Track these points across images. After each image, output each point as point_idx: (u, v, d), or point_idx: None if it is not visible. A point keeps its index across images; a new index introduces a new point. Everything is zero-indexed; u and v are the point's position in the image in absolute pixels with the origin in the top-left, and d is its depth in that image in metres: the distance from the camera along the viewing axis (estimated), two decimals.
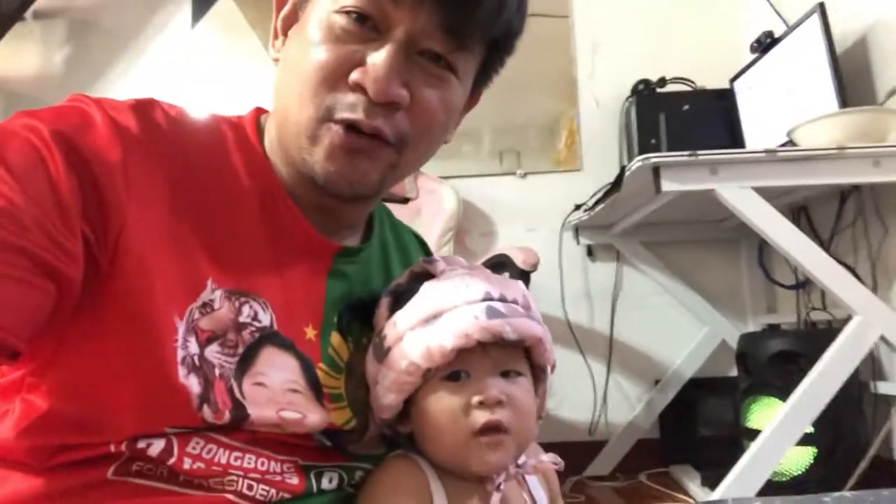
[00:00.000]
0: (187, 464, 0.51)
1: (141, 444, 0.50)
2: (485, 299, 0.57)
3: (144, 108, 0.56)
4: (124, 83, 2.46)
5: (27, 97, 2.46)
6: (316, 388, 0.58)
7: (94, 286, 0.49)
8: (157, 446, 0.50)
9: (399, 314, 0.59)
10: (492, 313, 0.56)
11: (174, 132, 0.56)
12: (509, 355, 0.58)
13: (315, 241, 0.61)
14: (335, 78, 0.54)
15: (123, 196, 0.50)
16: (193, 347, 0.51)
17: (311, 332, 0.59)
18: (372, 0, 0.54)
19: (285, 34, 0.62)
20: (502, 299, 0.57)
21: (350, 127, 0.55)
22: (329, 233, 0.62)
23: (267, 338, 0.56)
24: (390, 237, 0.74)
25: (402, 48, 0.54)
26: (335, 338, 0.61)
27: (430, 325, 0.56)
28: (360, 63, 0.54)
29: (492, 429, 0.55)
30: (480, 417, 0.55)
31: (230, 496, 0.52)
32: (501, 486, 0.56)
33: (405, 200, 2.20)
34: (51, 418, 0.49)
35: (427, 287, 0.59)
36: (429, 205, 2.22)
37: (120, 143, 0.51)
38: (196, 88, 2.43)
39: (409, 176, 2.17)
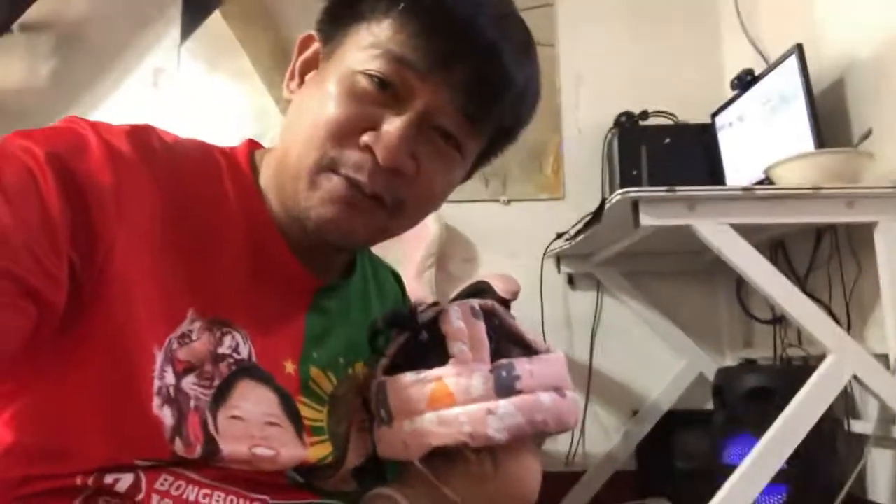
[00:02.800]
0: (155, 501, 0.50)
1: (108, 479, 0.49)
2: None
3: (140, 134, 0.56)
4: (111, 99, 2.45)
5: (11, 110, 2.44)
6: (296, 422, 0.58)
7: (75, 311, 0.48)
8: (125, 481, 0.49)
9: (532, 362, 0.59)
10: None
11: (169, 159, 0.56)
12: None
13: (298, 276, 0.61)
14: (346, 135, 0.55)
15: (113, 222, 0.50)
16: (170, 378, 0.51)
17: (289, 367, 0.59)
18: (398, 70, 0.55)
19: (302, 77, 0.62)
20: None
21: (351, 183, 0.55)
22: (313, 270, 0.63)
23: (244, 370, 0.55)
24: (369, 272, 0.75)
25: (418, 120, 0.55)
26: (314, 371, 0.61)
27: (560, 394, 0.59)
28: (374, 126, 0.55)
29: None
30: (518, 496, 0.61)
31: None
32: None
33: None
34: (14, 448, 0.49)
35: (557, 357, 0.62)
36: (412, 230, 2.22)
37: (113, 168, 0.51)
38: (183, 106, 2.43)
39: None
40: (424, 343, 0.61)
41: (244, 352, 0.56)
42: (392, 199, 0.57)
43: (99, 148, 0.51)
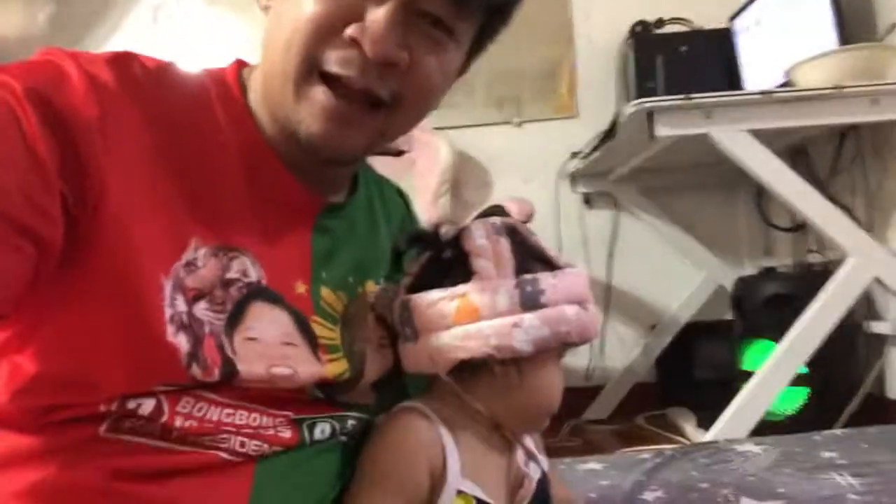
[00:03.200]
0: (179, 421, 0.51)
1: (131, 405, 0.50)
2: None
3: (122, 62, 0.54)
4: (111, 40, 2.41)
5: (9, 58, 2.41)
6: (311, 341, 0.58)
7: (75, 246, 0.48)
8: (147, 405, 0.50)
9: (556, 276, 0.60)
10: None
11: (153, 86, 0.54)
12: None
13: (299, 196, 0.60)
14: (329, 30, 0.52)
15: (102, 153, 0.48)
16: (181, 305, 0.51)
17: (300, 287, 0.59)
18: None
19: None
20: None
21: (339, 88, 0.53)
22: (313, 189, 0.61)
23: (255, 293, 0.55)
24: (374, 192, 0.74)
25: (403, 7, 0.52)
26: (325, 291, 0.61)
27: (584, 307, 0.60)
28: (358, 18, 0.52)
29: None
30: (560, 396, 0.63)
31: (223, 454, 0.53)
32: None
33: (399, 153, 2.18)
34: (39, 379, 0.50)
35: (578, 272, 0.62)
36: (423, 157, 2.20)
37: (97, 98, 0.49)
38: (184, 40, 2.38)
39: None
40: (448, 260, 0.61)
41: (254, 274, 0.55)
42: (389, 95, 0.54)
43: (80, 79, 0.49)
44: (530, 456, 0.64)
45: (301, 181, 0.60)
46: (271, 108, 0.58)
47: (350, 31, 0.52)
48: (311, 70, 0.53)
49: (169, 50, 2.34)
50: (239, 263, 0.55)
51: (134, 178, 0.50)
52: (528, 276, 0.58)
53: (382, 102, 0.55)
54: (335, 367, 0.60)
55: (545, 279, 0.58)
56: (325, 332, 0.60)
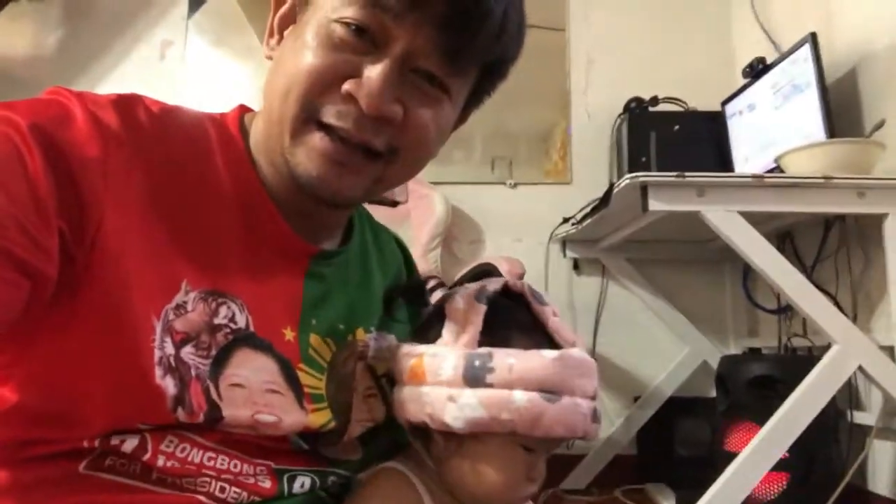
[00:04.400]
0: (161, 461, 0.51)
1: (115, 441, 0.50)
2: (592, 397, 0.57)
3: (127, 105, 0.55)
4: (118, 70, 2.44)
5: (18, 78, 2.43)
6: (297, 389, 0.58)
7: (69, 282, 0.48)
8: (130, 443, 0.50)
9: (517, 355, 0.54)
10: (594, 417, 0.57)
11: (156, 130, 0.55)
12: None
13: (293, 243, 0.61)
14: (327, 84, 0.54)
15: (101, 193, 0.49)
16: (169, 348, 0.51)
17: (289, 334, 0.59)
18: (373, 14, 0.53)
19: (281, 34, 0.61)
20: (595, 397, 0.58)
21: (335, 135, 0.54)
22: (308, 235, 0.62)
23: (242, 339, 0.55)
24: (369, 238, 0.74)
25: (399, 64, 0.54)
26: (314, 339, 0.61)
27: (549, 398, 0.53)
28: (354, 74, 0.54)
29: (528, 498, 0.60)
30: (530, 489, 0.59)
31: (202, 497, 0.52)
32: None
33: (394, 204, 2.19)
34: (20, 412, 0.49)
35: (552, 355, 0.55)
36: (418, 210, 2.22)
37: (100, 139, 0.50)
38: (189, 79, 2.42)
39: None
40: (428, 317, 0.62)
41: (241, 321, 0.55)
42: (384, 146, 0.56)
43: (84, 119, 0.50)
44: None
45: (296, 228, 0.61)
46: (270, 154, 0.59)
47: (347, 86, 0.53)
48: (308, 118, 0.55)
49: (173, 86, 2.38)
50: (226, 309, 0.55)
51: (131, 219, 0.51)
52: (483, 350, 0.55)
53: (379, 153, 0.56)
54: (319, 417, 0.59)
55: (502, 357, 0.54)
56: (312, 380, 0.60)
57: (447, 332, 0.57)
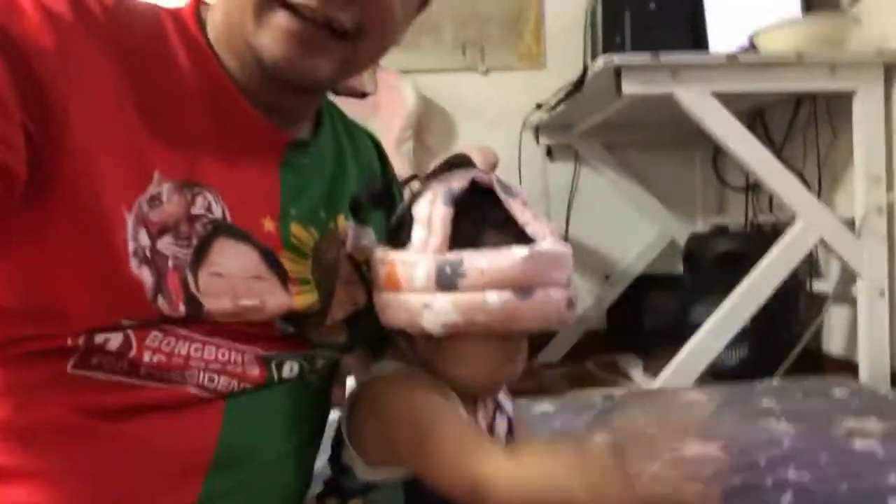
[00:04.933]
0: (147, 356, 0.51)
1: (98, 339, 0.50)
2: (566, 286, 0.57)
3: None
4: None
5: None
6: (281, 275, 0.59)
7: (38, 178, 0.47)
8: (115, 341, 0.51)
9: (487, 256, 0.54)
10: (569, 305, 0.57)
11: (110, 20, 0.53)
12: None
13: (265, 132, 0.60)
14: None
15: (62, 84, 0.48)
16: (144, 240, 0.51)
17: (269, 224, 0.59)
18: None
19: None
20: (569, 284, 0.58)
21: (300, 14, 0.52)
22: (278, 124, 0.61)
23: (220, 229, 0.55)
24: (342, 132, 0.74)
25: None
26: (295, 227, 0.61)
27: (521, 294, 0.54)
28: None
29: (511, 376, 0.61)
30: (514, 369, 0.61)
31: (192, 389, 0.53)
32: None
33: (363, 95, 2.14)
34: (1, 310, 0.49)
35: (522, 253, 0.54)
36: (388, 101, 2.18)
37: (53, 30, 0.48)
38: None
39: (368, 70, 2.12)
40: (397, 221, 0.61)
41: (217, 211, 0.55)
42: (351, 24, 0.54)
43: (34, 10, 0.48)
44: (497, 408, 0.64)
45: (266, 117, 0.60)
46: (232, 43, 0.57)
47: None
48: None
49: None
50: (202, 199, 0.55)
51: (96, 109, 0.50)
52: (452, 256, 0.55)
53: (346, 32, 0.55)
54: (304, 299, 0.60)
55: (471, 260, 0.54)
56: (295, 266, 0.60)
57: (416, 237, 0.57)
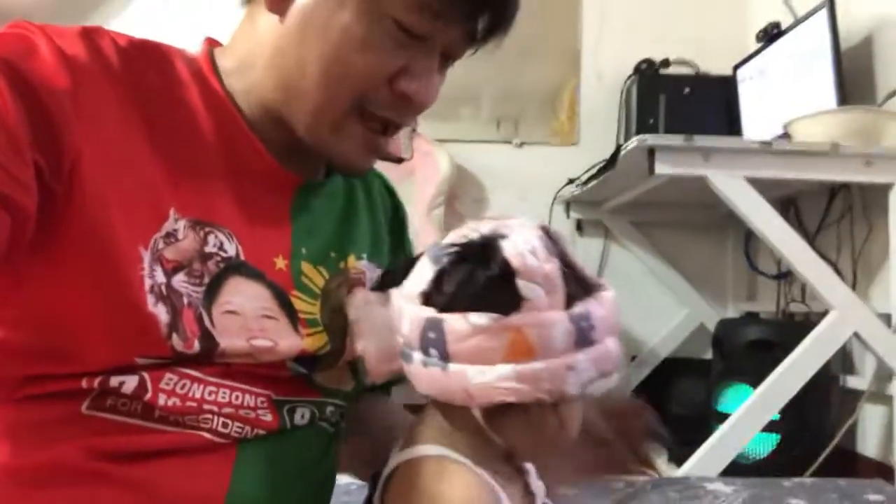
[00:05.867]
0: (162, 400, 0.51)
1: (114, 382, 0.50)
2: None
3: (91, 36, 0.54)
4: (123, 16, 2.40)
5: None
6: (291, 314, 0.58)
7: (51, 217, 0.48)
8: (130, 383, 0.50)
9: (602, 305, 0.52)
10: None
11: (124, 61, 0.54)
12: None
13: (277, 174, 0.61)
14: (379, 83, 0.55)
15: (75, 124, 0.48)
16: (160, 276, 0.51)
17: (280, 263, 0.59)
18: (432, 25, 0.54)
19: None
20: None
21: (370, 121, 0.57)
22: (292, 167, 0.62)
23: (233, 268, 0.55)
24: None
25: (442, 58, 0.57)
26: (306, 267, 0.61)
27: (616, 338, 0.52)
28: (405, 70, 0.55)
29: None
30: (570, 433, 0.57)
31: (206, 434, 0.52)
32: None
33: (399, 160, 2.19)
34: (16, 349, 0.49)
35: (613, 295, 0.53)
36: (423, 167, 2.22)
37: (67, 70, 0.49)
38: (197, 26, 2.38)
39: (406, 135, 2.17)
40: (490, 278, 0.51)
41: (231, 250, 0.56)
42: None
43: (49, 51, 0.49)
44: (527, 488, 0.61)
45: (281, 161, 0.61)
46: (272, 110, 0.59)
47: (403, 86, 0.55)
48: (352, 111, 0.56)
49: (183, 29, 2.34)
50: (214, 238, 0.55)
51: (110, 148, 0.50)
52: (579, 310, 0.50)
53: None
54: (315, 341, 0.60)
55: (595, 311, 0.51)
56: (305, 306, 0.60)
57: (536, 296, 0.50)
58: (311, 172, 0.65)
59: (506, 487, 0.55)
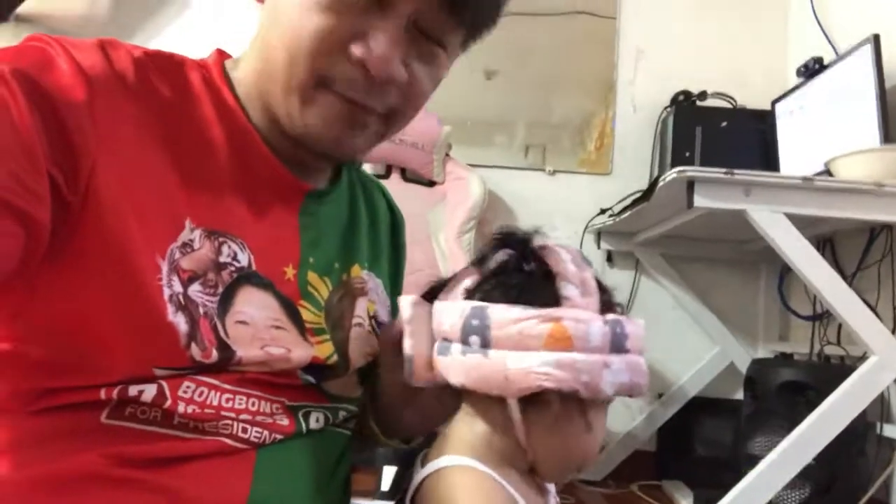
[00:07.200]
0: (181, 407, 0.51)
1: (133, 392, 0.50)
2: (620, 351, 0.56)
3: (106, 48, 0.55)
4: (171, 30, 2.46)
5: (69, 36, 2.47)
6: (299, 324, 0.59)
7: (66, 229, 0.48)
8: (149, 392, 0.50)
9: (634, 323, 0.56)
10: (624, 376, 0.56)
11: (139, 73, 0.55)
12: None
13: (287, 181, 0.61)
14: (334, 48, 0.54)
15: (91, 136, 0.49)
16: (177, 286, 0.51)
17: (290, 272, 0.60)
18: None
19: None
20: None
21: (347, 99, 0.55)
22: (300, 175, 0.63)
23: (245, 277, 0.56)
24: (357, 181, 0.76)
25: (404, 25, 0.55)
26: (312, 276, 0.62)
27: (565, 353, 0.53)
28: (361, 36, 0.53)
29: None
30: (591, 448, 0.59)
31: (227, 440, 0.53)
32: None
33: (432, 184, 2.20)
34: (34, 362, 0.49)
35: (572, 312, 0.54)
36: (454, 191, 2.22)
37: (83, 82, 0.50)
38: (242, 40, 2.43)
39: (439, 160, 2.18)
40: (533, 275, 0.56)
41: (244, 259, 0.56)
42: (384, 107, 0.57)
43: (67, 63, 0.50)
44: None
45: (289, 169, 0.61)
46: (267, 104, 0.59)
47: (356, 51, 0.53)
48: (317, 84, 0.55)
49: (225, 47, 2.38)
50: (228, 248, 0.56)
51: (125, 160, 0.51)
52: (612, 317, 0.55)
53: (379, 113, 0.58)
54: (325, 349, 0.61)
55: (629, 324, 0.55)
56: (311, 316, 0.61)
57: (574, 295, 0.54)
58: (317, 180, 0.66)
59: (528, 500, 0.57)
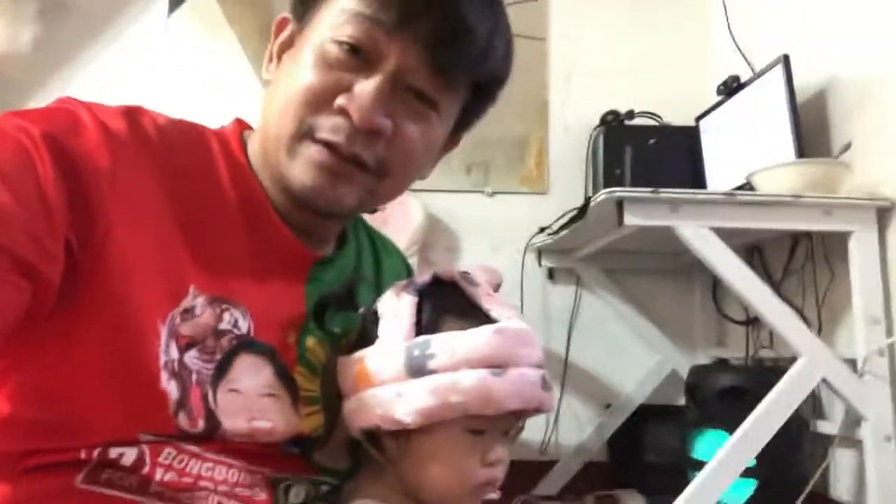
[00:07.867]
0: (159, 474, 0.51)
1: (113, 454, 0.50)
2: (539, 366, 0.57)
3: (133, 115, 0.57)
4: (94, 69, 2.40)
5: None
6: (292, 392, 0.59)
7: (73, 289, 0.49)
8: (129, 456, 0.50)
9: (456, 337, 0.54)
10: (545, 385, 0.56)
11: (161, 140, 0.57)
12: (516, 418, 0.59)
13: (296, 250, 0.63)
14: (320, 101, 0.56)
15: (109, 201, 0.50)
16: (174, 353, 0.52)
17: (291, 339, 0.61)
18: (367, 33, 0.56)
19: (280, 59, 0.63)
20: (541, 366, 0.58)
21: (329, 147, 0.57)
22: (308, 244, 0.64)
23: (244, 345, 0.57)
24: (366, 243, 0.77)
25: (390, 81, 0.57)
26: (311, 341, 0.63)
27: (495, 372, 0.53)
28: (347, 90, 0.56)
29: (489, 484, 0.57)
30: (486, 475, 0.56)
31: None
32: None
33: (373, 210, 2.21)
34: (16, 422, 0.49)
35: (490, 329, 0.54)
36: (396, 216, 2.23)
37: (109, 147, 0.51)
38: (168, 81, 2.40)
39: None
40: (364, 322, 0.61)
41: (244, 327, 0.57)
42: (374, 161, 0.59)
43: (94, 128, 0.52)
44: None
45: (298, 236, 0.63)
46: (269, 168, 0.61)
47: (339, 100, 0.56)
48: (303, 135, 0.57)
49: (152, 85, 2.36)
50: (230, 315, 0.56)
51: (139, 225, 0.52)
52: (420, 339, 0.54)
53: (369, 167, 0.59)
54: (312, 421, 0.61)
55: (438, 341, 0.54)
56: (307, 383, 0.61)
57: (383, 330, 0.58)
58: (324, 248, 0.67)
59: None
